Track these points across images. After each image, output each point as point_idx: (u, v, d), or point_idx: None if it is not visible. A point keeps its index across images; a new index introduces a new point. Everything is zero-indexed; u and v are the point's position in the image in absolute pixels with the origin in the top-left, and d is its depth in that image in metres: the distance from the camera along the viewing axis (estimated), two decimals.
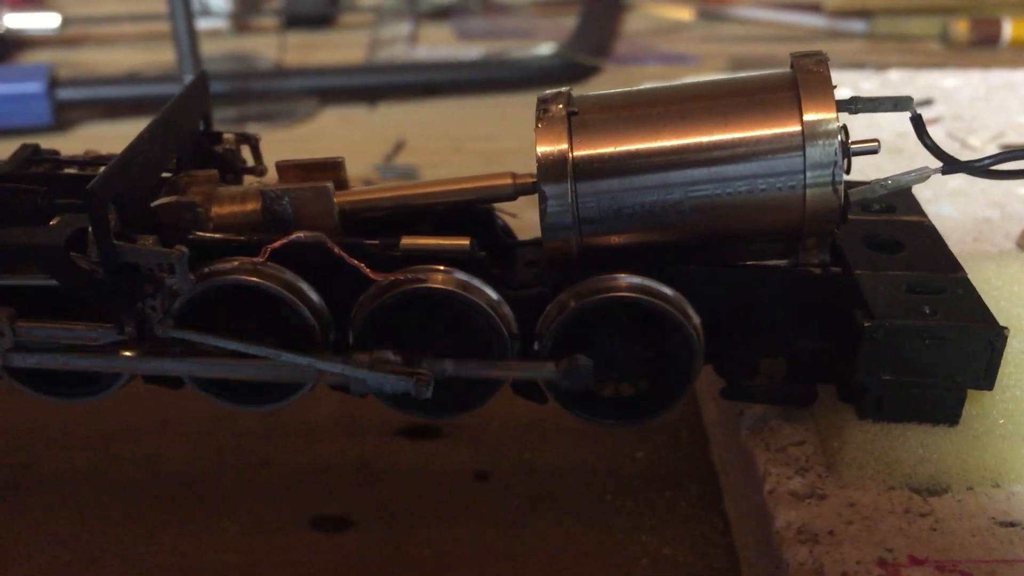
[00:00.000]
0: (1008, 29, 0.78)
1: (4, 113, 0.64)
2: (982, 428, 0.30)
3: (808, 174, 0.28)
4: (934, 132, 0.31)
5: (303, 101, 0.69)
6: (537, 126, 0.30)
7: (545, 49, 0.77)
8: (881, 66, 0.62)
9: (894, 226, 0.33)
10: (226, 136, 0.35)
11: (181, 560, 0.35)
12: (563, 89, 0.30)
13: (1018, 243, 0.41)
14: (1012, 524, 0.28)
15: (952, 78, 0.58)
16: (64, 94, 0.66)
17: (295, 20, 0.84)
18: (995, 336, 0.28)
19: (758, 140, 0.28)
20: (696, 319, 0.30)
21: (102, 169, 0.28)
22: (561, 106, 0.30)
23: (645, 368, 0.31)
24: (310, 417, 0.42)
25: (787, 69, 0.29)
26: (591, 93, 0.31)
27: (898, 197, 0.35)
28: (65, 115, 0.66)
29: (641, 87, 0.30)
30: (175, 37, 0.63)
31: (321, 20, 0.85)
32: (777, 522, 0.29)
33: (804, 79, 0.28)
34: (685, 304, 0.30)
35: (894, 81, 0.58)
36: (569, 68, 0.72)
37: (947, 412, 0.29)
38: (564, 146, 0.29)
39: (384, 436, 0.41)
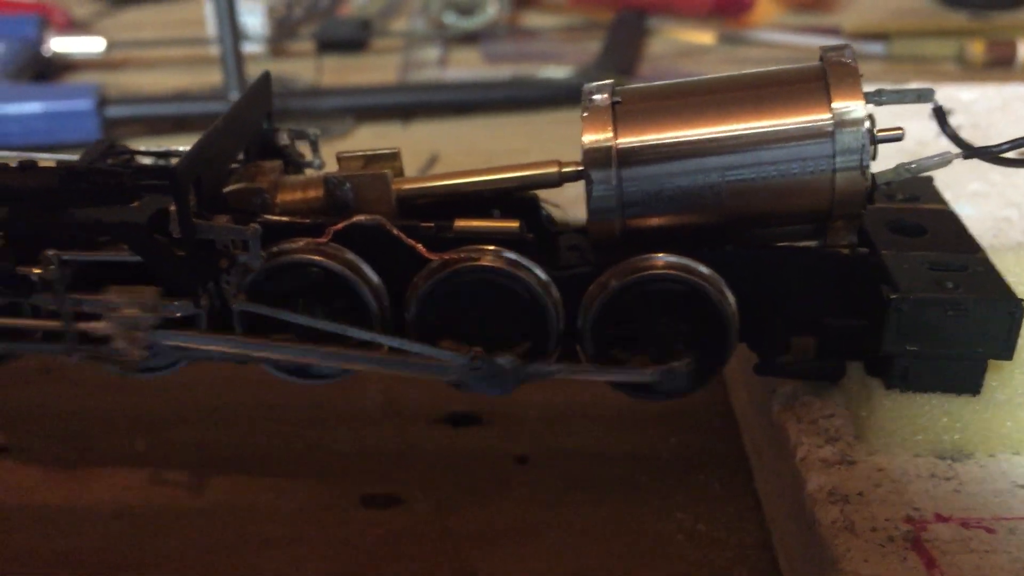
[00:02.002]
0: (1023, 51, 0.80)
1: (56, 129, 0.67)
2: (1003, 397, 0.31)
3: (837, 158, 0.30)
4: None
5: (339, 119, 0.72)
6: (583, 115, 0.32)
7: (560, 72, 0.80)
8: (900, 83, 0.64)
9: (917, 213, 0.35)
10: (287, 132, 0.37)
11: (240, 534, 0.37)
12: (607, 81, 0.33)
13: None
14: None
15: (969, 92, 0.60)
16: (112, 111, 0.69)
17: (329, 45, 0.87)
18: (1014, 308, 0.30)
19: (791, 127, 0.30)
20: (731, 297, 0.32)
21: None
22: (606, 96, 0.32)
23: (682, 345, 0.33)
24: (355, 406, 0.44)
25: (816, 62, 0.31)
26: (633, 85, 0.33)
27: (921, 188, 0.37)
28: (113, 132, 0.69)
29: (679, 80, 0.33)
30: (222, 59, 0.66)
31: (354, 45, 0.88)
32: (809, 486, 0.31)
33: (833, 70, 0.31)
34: (721, 283, 0.32)
35: None
36: None
37: (969, 382, 0.31)
38: (609, 133, 0.31)
39: (427, 423, 0.42)
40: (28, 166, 0.30)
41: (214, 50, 0.82)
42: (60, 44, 0.82)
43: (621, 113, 0.32)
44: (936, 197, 0.36)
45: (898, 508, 0.29)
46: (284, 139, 0.36)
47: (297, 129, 0.37)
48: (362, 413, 0.43)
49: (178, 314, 0.31)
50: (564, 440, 0.41)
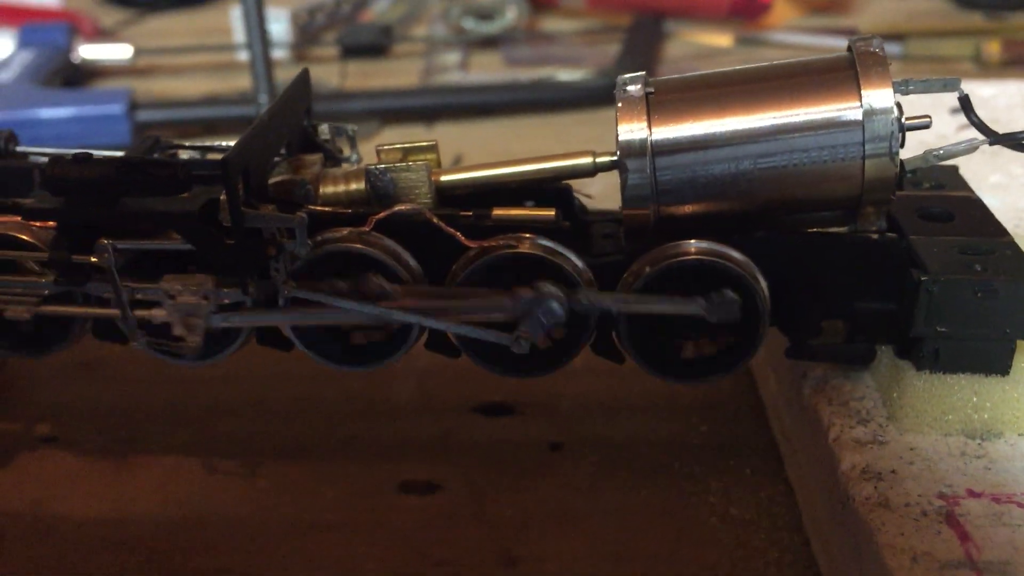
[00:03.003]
0: None
1: (87, 132, 0.68)
2: None
3: (867, 145, 0.31)
4: (975, 133, 0.33)
5: (365, 122, 0.73)
6: (618, 105, 0.33)
7: (579, 75, 0.81)
8: None
9: (944, 200, 0.36)
10: (326, 127, 0.38)
11: (283, 519, 0.38)
12: (640, 73, 0.33)
13: None
14: None
15: (989, 88, 0.60)
16: (143, 115, 0.70)
17: (352, 50, 0.88)
18: None
19: (822, 115, 0.31)
20: (763, 282, 0.33)
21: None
22: (640, 87, 0.33)
23: (716, 330, 0.34)
24: (391, 398, 0.45)
25: (845, 52, 0.32)
26: (665, 77, 0.34)
27: (946, 177, 0.37)
28: (143, 135, 0.70)
29: (711, 71, 0.34)
30: (252, 64, 0.67)
31: (376, 50, 0.89)
32: (843, 465, 0.31)
33: (862, 59, 0.31)
34: (753, 268, 0.33)
35: None
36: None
37: (998, 362, 0.32)
38: (643, 123, 0.32)
39: (461, 413, 0.43)
40: (83, 158, 0.31)
41: (240, 56, 0.84)
42: (88, 51, 0.83)
43: (654, 103, 0.33)
44: (962, 185, 0.37)
45: (930, 485, 0.30)
46: (326, 134, 0.37)
47: (337, 125, 0.38)
48: (397, 405, 0.44)
49: (227, 300, 0.32)
50: (596, 429, 0.42)
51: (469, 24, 0.92)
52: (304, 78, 0.38)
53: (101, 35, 0.92)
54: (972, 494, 0.30)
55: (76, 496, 0.39)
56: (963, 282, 0.31)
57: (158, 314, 0.33)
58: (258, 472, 0.40)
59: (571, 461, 0.40)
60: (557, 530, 0.37)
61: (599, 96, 0.75)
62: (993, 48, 0.81)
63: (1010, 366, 0.32)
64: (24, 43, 0.79)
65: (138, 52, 0.84)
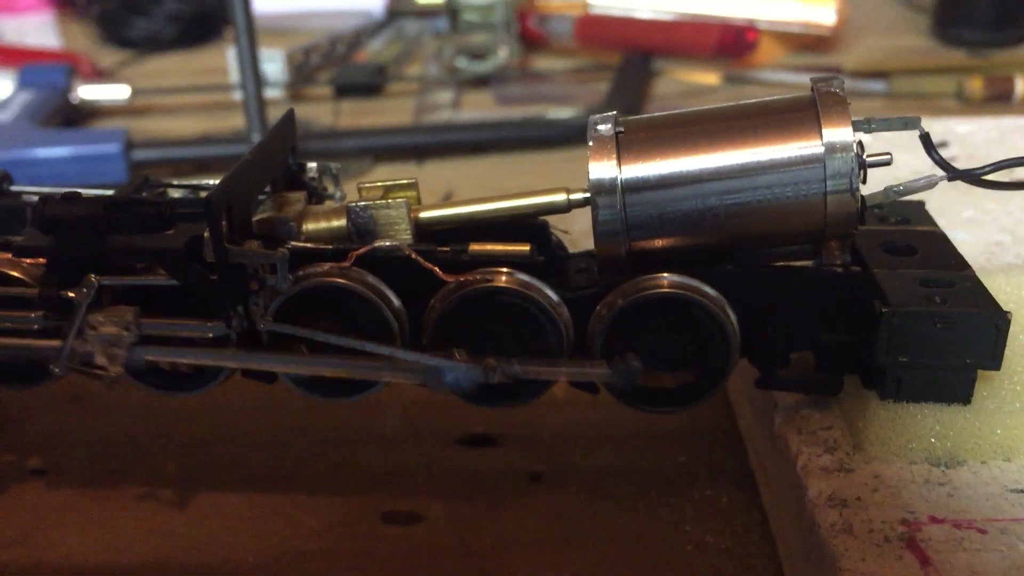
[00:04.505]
0: (1021, 86, 0.82)
1: (84, 172, 0.70)
2: (992, 406, 0.33)
3: (828, 182, 0.32)
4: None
5: (357, 159, 0.74)
6: (589, 144, 0.34)
7: (569, 113, 0.82)
8: None
9: (908, 234, 0.37)
10: (310, 166, 0.39)
11: (268, 549, 0.38)
12: (611, 113, 0.35)
13: None
14: (1023, 491, 0.31)
15: (966, 124, 0.62)
16: (139, 155, 0.71)
17: (345, 89, 0.90)
18: (999, 319, 0.32)
19: (784, 153, 0.32)
20: (733, 314, 0.34)
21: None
22: (610, 126, 0.34)
23: (686, 361, 0.35)
24: (377, 428, 0.45)
25: (808, 93, 0.34)
26: (635, 116, 0.35)
27: (912, 212, 0.39)
28: (134, 174, 0.72)
29: (679, 110, 0.35)
30: (245, 104, 0.68)
31: (369, 89, 0.91)
32: (810, 492, 0.32)
33: (822, 99, 0.33)
34: (723, 301, 0.34)
35: None
36: None
37: (960, 392, 0.33)
38: (613, 161, 0.33)
39: (444, 444, 0.44)
40: (72, 197, 0.32)
41: (235, 96, 0.86)
42: (87, 92, 0.85)
43: (624, 142, 0.34)
44: (927, 219, 0.38)
45: (894, 511, 0.31)
46: (311, 172, 0.39)
47: (322, 164, 0.39)
48: (382, 435, 0.45)
49: (211, 335, 0.33)
50: (576, 459, 0.43)
51: (462, 63, 0.94)
52: (289, 118, 0.39)
53: (100, 76, 0.93)
54: (934, 520, 0.30)
55: (66, 527, 0.40)
56: (923, 313, 0.32)
57: (79, 345, 0.33)
58: (244, 502, 0.41)
59: (551, 490, 0.41)
60: (536, 557, 0.38)
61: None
62: (975, 85, 0.83)
63: (971, 395, 0.33)
64: (24, 84, 0.81)
65: (136, 92, 0.85)
